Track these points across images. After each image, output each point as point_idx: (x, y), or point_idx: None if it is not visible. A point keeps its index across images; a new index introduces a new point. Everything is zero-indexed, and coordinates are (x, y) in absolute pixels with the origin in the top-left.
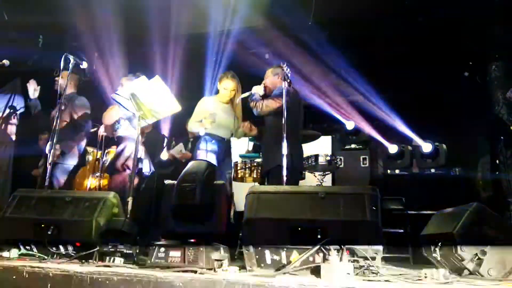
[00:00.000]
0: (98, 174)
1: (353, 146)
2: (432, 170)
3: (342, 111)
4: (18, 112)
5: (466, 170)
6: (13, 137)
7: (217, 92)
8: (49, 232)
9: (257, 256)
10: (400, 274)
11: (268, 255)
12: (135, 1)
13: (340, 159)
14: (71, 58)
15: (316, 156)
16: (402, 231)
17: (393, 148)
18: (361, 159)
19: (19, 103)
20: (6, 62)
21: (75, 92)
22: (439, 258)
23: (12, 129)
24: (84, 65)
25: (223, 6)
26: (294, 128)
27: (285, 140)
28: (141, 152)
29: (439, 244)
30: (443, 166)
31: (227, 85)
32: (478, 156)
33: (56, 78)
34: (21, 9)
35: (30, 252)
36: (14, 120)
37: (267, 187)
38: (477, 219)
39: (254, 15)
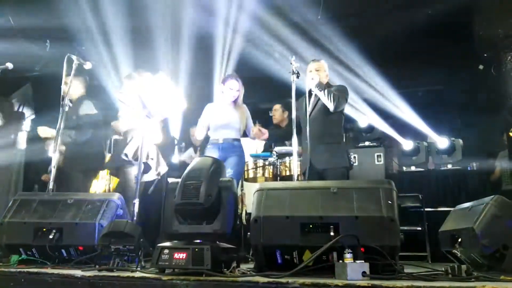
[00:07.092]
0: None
1: (367, 143)
2: (449, 166)
3: (355, 108)
4: (28, 118)
5: (483, 165)
6: (24, 143)
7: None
8: (50, 237)
9: (267, 256)
10: (419, 272)
11: (278, 254)
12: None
13: (354, 156)
14: (74, 58)
15: None
16: (419, 229)
17: (408, 145)
18: (376, 156)
19: (29, 109)
20: (9, 65)
21: (84, 95)
22: (459, 255)
23: (22, 135)
24: (88, 65)
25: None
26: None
27: (295, 136)
28: (154, 152)
29: (459, 240)
30: (459, 161)
31: (233, 86)
32: (496, 149)
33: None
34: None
35: (31, 258)
36: (24, 126)
37: (276, 183)
38: (499, 212)
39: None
